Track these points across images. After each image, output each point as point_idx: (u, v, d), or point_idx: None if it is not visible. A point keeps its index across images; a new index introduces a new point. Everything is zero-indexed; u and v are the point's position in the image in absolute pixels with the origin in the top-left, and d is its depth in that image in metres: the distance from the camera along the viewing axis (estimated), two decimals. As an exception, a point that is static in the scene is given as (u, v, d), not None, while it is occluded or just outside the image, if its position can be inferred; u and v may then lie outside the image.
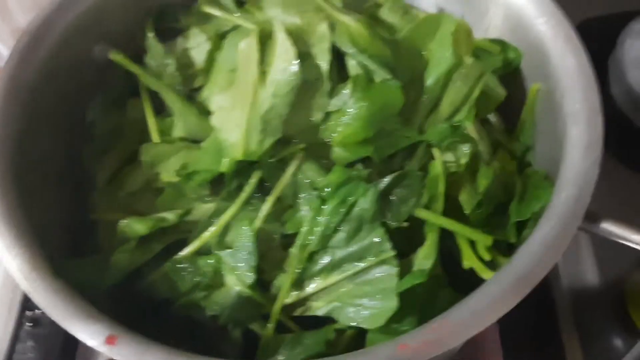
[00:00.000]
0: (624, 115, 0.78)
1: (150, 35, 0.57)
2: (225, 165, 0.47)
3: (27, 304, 0.63)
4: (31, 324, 0.62)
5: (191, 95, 0.57)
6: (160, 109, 0.58)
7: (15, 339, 0.61)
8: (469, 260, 0.46)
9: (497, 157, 0.54)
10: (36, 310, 0.62)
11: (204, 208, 0.52)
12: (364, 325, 0.46)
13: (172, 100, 0.53)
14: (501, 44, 0.57)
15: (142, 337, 0.38)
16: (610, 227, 0.43)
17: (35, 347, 0.60)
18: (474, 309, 0.39)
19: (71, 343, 0.62)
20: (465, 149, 0.50)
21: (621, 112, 0.78)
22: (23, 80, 0.50)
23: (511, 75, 0.56)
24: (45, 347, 0.60)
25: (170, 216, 0.50)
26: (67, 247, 0.51)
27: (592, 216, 0.43)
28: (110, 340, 0.37)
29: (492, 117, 0.58)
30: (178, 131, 0.54)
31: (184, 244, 0.50)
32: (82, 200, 0.55)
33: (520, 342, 0.64)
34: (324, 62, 0.50)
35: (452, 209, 0.49)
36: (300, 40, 0.51)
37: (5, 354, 0.60)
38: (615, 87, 0.79)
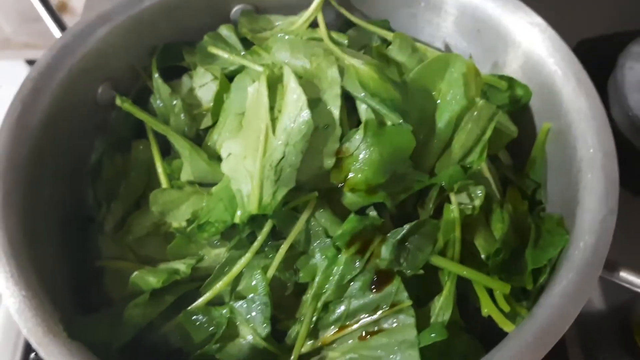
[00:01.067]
0: (624, 137, 0.78)
1: (156, 76, 0.57)
2: (239, 217, 0.46)
3: (31, 346, 0.61)
4: (35, 366, 0.61)
5: (199, 134, 0.56)
6: (165, 149, 0.57)
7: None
8: (488, 309, 0.46)
9: (508, 195, 0.54)
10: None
11: (214, 253, 0.51)
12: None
13: (180, 145, 0.52)
14: (509, 80, 0.56)
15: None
16: (630, 277, 0.43)
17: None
18: (498, 368, 0.38)
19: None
20: (479, 192, 0.50)
21: (621, 134, 0.78)
22: (27, 128, 0.50)
23: (520, 112, 0.56)
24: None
25: (182, 267, 0.49)
26: (73, 297, 0.50)
27: (611, 265, 0.43)
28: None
29: (501, 154, 0.58)
30: (186, 175, 0.53)
31: (195, 293, 0.49)
32: (86, 247, 0.54)
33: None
34: (335, 108, 0.50)
35: (466, 253, 0.49)
36: (310, 86, 0.50)
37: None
38: (615, 109, 0.79)
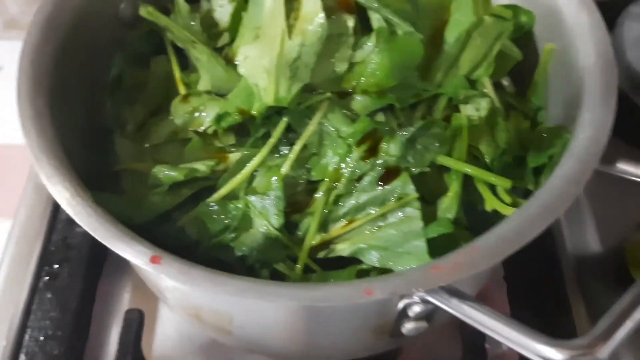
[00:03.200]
0: (622, 92, 0.81)
1: (179, -4, 0.59)
2: (256, 107, 0.49)
3: (45, 258, 0.63)
4: (48, 278, 0.62)
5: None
6: (182, 69, 0.59)
7: (34, 291, 0.61)
8: (490, 203, 0.48)
9: (511, 117, 0.56)
10: (54, 265, 0.63)
11: (229, 158, 0.53)
12: (392, 268, 0.47)
13: (199, 52, 0.54)
14: (514, 8, 0.59)
15: (184, 259, 0.39)
16: (625, 167, 0.46)
17: (53, 298, 0.61)
18: (501, 236, 0.41)
19: (88, 295, 0.63)
20: (484, 103, 0.52)
21: (620, 89, 0.81)
22: (56, 27, 0.52)
23: (523, 38, 0.59)
24: (63, 299, 0.61)
25: (202, 167, 0.51)
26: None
27: (608, 158, 0.46)
28: (155, 259, 0.38)
29: (504, 81, 0.60)
30: (204, 84, 0.56)
31: (211, 190, 0.52)
32: (103, 154, 0.56)
33: (527, 303, 0.66)
34: (349, 18, 0.52)
35: (471, 159, 0.51)
36: (325, -3, 0.53)
37: (24, 304, 0.60)
38: (614, 66, 0.82)
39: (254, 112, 0.49)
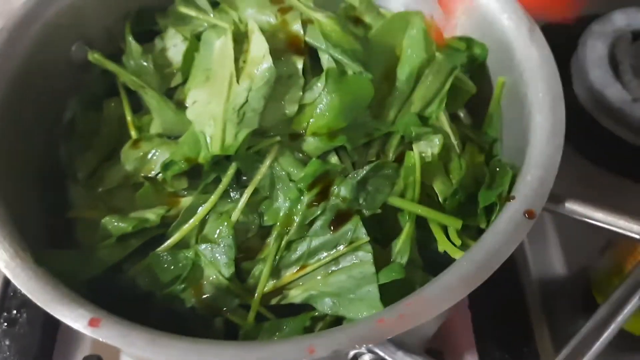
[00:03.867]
0: (586, 111, 0.81)
1: (129, 37, 0.58)
2: (202, 157, 0.48)
3: (3, 304, 0.62)
4: (7, 324, 0.62)
5: (168, 95, 0.58)
6: (136, 110, 0.59)
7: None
8: (442, 245, 0.48)
9: (466, 151, 0.56)
10: (13, 312, 0.62)
11: (181, 202, 0.53)
12: (345, 315, 0.47)
13: (150, 96, 0.54)
14: (467, 40, 0.59)
15: (125, 320, 0.39)
16: (573, 207, 0.46)
17: (11, 345, 0.60)
18: (446, 285, 0.40)
19: (48, 342, 0.62)
20: (437, 140, 0.52)
21: (583, 108, 0.82)
22: (1, 73, 0.51)
23: (477, 70, 0.59)
24: (23, 346, 0.60)
25: (152, 217, 0.51)
26: (44, 243, 0.51)
27: (556, 197, 0.45)
28: (93, 323, 0.38)
29: (460, 113, 0.60)
30: (155, 127, 0.55)
31: (161, 239, 0.51)
32: (58, 199, 0.55)
33: (492, 330, 0.65)
34: (298, 59, 0.52)
35: (425, 198, 0.51)
36: (275, 38, 0.53)
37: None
38: (577, 85, 0.83)
39: (200, 160, 0.49)
